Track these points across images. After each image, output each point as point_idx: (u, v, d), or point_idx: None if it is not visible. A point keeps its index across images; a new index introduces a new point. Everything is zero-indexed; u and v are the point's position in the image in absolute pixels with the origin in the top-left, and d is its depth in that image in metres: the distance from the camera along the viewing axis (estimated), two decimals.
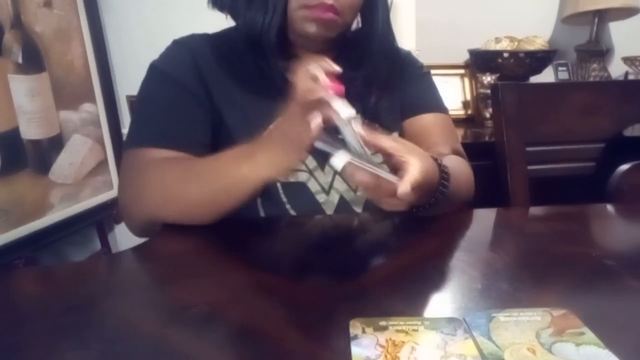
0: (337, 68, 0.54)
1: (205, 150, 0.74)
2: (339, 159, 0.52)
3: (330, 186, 0.78)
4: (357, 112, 0.54)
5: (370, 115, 0.83)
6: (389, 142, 0.55)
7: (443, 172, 0.64)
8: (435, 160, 0.63)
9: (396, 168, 0.55)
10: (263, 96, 0.77)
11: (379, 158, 0.58)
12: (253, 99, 0.78)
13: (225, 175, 0.65)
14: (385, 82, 0.84)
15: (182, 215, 0.68)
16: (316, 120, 0.55)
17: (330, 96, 0.53)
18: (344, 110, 0.53)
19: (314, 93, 0.53)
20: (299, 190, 0.76)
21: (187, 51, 0.78)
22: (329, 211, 0.77)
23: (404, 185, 0.51)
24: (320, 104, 0.53)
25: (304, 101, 0.54)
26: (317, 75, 0.53)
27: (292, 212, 0.76)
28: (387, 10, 0.81)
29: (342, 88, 0.54)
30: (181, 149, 0.72)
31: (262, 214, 0.76)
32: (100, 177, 1.65)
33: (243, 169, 0.63)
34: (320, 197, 0.77)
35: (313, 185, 0.77)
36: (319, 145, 0.55)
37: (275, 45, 0.74)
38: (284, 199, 0.76)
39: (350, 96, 0.81)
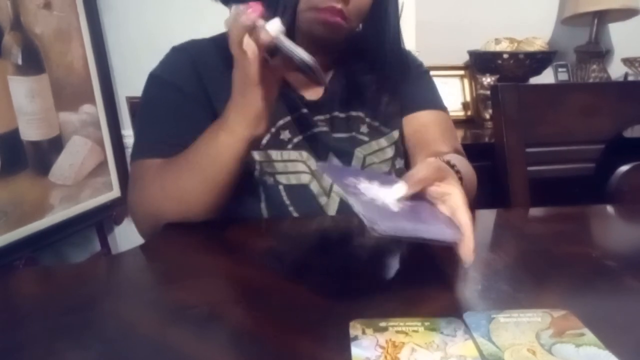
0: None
1: None
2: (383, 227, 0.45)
3: (331, 189, 0.78)
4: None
5: (381, 116, 0.84)
6: (423, 174, 0.52)
7: (459, 178, 0.63)
8: (449, 163, 0.61)
9: (434, 196, 0.52)
10: None
11: None
12: None
13: (208, 150, 0.66)
14: (394, 84, 0.85)
15: (183, 207, 0.68)
16: (251, 48, 0.57)
17: (255, 20, 0.57)
18: (271, 26, 0.57)
19: (240, 19, 0.57)
20: (301, 193, 0.76)
21: (187, 57, 0.78)
22: (331, 213, 0.77)
23: (469, 257, 0.47)
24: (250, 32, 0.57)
25: (236, 35, 0.58)
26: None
27: (295, 214, 0.76)
28: (397, 18, 0.81)
29: (259, 7, 0.57)
30: None
31: (265, 216, 0.76)
32: (100, 179, 1.65)
33: (221, 137, 0.64)
34: (322, 200, 0.77)
35: (315, 187, 0.77)
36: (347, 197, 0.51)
37: None
38: (287, 201, 0.76)
39: (360, 100, 0.82)
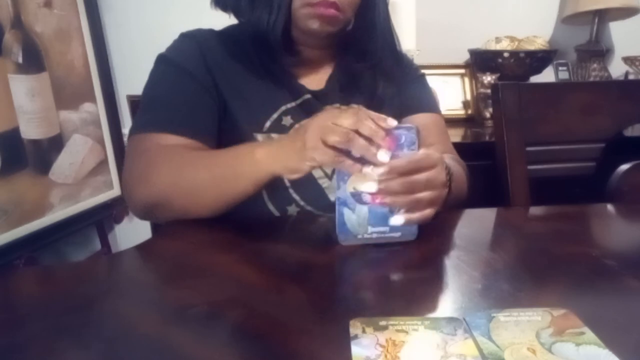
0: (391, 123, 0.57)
1: (211, 137, 0.76)
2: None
3: (333, 172, 0.79)
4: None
5: (376, 104, 0.85)
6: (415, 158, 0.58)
7: (448, 173, 0.65)
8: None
9: None
10: (266, 87, 0.80)
11: None
12: (257, 89, 0.80)
13: (236, 164, 0.66)
14: (389, 74, 0.86)
15: (188, 200, 0.68)
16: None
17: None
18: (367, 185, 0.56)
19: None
20: (302, 176, 0.77)
21: (195, 43, 0.80)
22: (332, 196, 0.78)
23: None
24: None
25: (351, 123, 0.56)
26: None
27: (295, 196, 0.77)
28: (386, 5, 0.83)
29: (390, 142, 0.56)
30: (188, 136, 0.73)
31: (266, 198, 0.77)
32: (100, 177, 1.65)
33: (254, 160, 0.64)
34: (324, 182, 0.78)
35: (316, 171, 0.78)
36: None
37: (280, 42, 0.76)
38: (287, 183, 0.77)
39: (359, 88, 0.83)
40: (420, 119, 0.88)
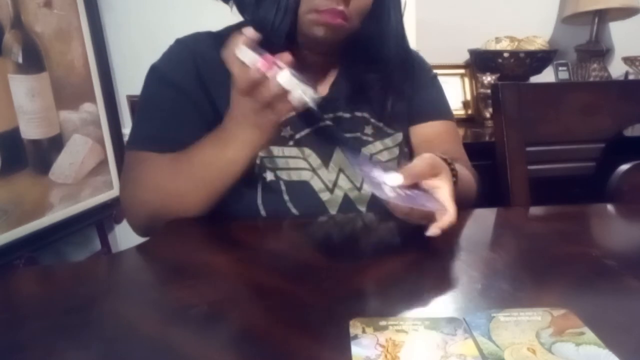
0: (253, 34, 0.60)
1: None
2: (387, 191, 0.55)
3: (335, 184, 0.78)
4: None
5: (386, 117, 0.84)
6: (418, 169, 0.59)
7: (453, 175, 0.66)
8: (446, 161, 0.65)
9: (426, 188, 0.59)
10: None
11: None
12: None
13: (214, 162, 0.67)
14: (400, 85, 0.85)
15: (178, 208, 0.69)
16: (285, 108, 0.60)
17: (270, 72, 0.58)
18: (282, 78, 0.58)
19: (248, 77, 0.58)
20: (301, 189, 0.76)
21: (188, 52, 0.79)
22: (333, 209, 0.77)
23: (436, 229, 0.56)
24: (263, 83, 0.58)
25: (243, 88, 0.59)
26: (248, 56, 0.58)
27: (294, 211, 0.76)
28: (400, 14, 0.80)
29: (270, 59, 0.58)
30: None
31: (262, 212, 0.76)
32: (100, 177, 1.65)
33: (228, 152, 0.66)
34: (324, 195, 0.77)
35: (316, 184, 0.77)
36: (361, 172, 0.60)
37: (283, 46, 0.73)
38: (286, 197, 0.76)
39: (366, 97, 0.82)
40: (432, 127, 0.87)
